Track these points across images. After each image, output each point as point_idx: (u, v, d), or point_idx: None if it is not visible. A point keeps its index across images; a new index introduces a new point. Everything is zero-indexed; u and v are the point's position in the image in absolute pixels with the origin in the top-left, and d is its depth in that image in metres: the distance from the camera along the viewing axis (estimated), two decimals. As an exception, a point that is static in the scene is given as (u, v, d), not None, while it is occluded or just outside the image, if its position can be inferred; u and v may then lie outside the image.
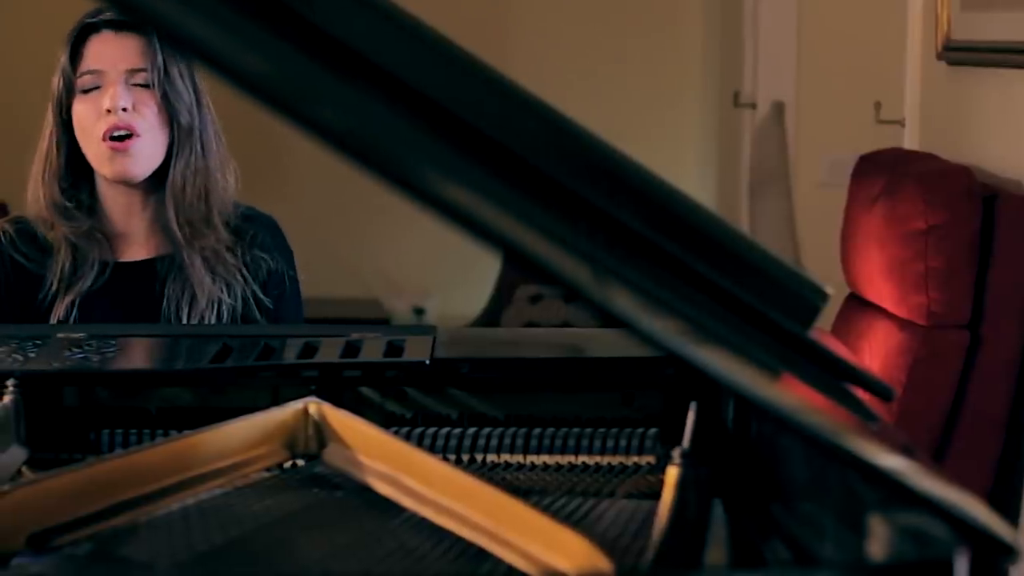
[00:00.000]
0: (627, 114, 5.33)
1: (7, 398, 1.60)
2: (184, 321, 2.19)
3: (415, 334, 1.82)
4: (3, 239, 2.26)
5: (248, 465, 1.51)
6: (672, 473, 1.36)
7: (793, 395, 1.15)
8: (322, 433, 1.58)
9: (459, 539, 1.31)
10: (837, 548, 1.21)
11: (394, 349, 1.75)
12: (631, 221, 1.16)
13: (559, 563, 1.13)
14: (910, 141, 3.50)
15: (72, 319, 2.19)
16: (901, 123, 3.61)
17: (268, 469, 1.54)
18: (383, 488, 1.44)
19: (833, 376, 1.28)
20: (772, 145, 4.60)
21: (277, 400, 1.74)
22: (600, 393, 1.73)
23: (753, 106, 4.72)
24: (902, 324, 2.89)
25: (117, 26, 2.20)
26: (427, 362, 1.68)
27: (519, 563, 1.18)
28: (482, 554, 1.25)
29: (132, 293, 2.24)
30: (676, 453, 1.39)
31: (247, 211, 2.31)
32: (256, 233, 2.28)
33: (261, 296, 2.26)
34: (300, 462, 1.57)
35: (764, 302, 1.24)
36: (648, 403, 1.72)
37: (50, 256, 2.24)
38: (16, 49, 5.35)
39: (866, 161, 3.17)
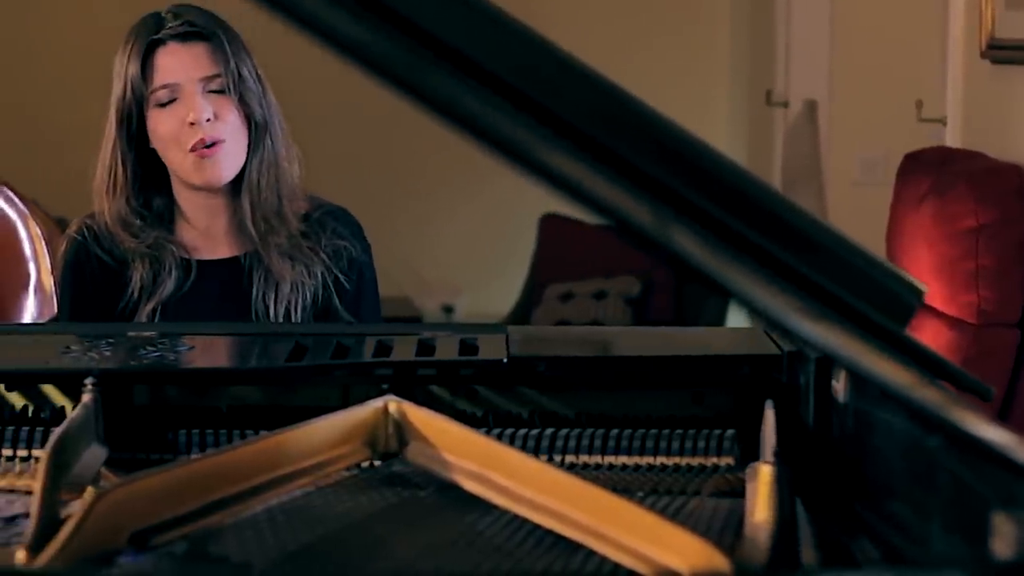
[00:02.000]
0: (650, 103, 5.29)
1: (86, 397, 1.59)
2: (272, 310, 2.21)
3: (485, 333, 1.82)
4: (86, 235, 2.27)
5: (331, 464, 1.51)
6: (766, 471, 1.35)
7: (902, 373, 1.15)
8: (402, 431, 1.57)
9: (557, 537, 1.30)
10: (941, 546, 1.20)
11: (468, 348, 1.74)
12: (738, 219, 1.17)
13: (672, 562, 1.12)
14: (952, 139, 3.50)
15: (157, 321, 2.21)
16: (942, 121, 3.60)
17: (349, 468, 1.54)
18: (471, 486, 1.43)
19: (931, 375, 1.27)
20: (804, 144, 4.59)
21: (347, 399, 1.74)
22: (677, 392, 1.73)
23: (785, 104, 4.71)
24: (952, 323, 2.88)
25: (183, 37, 2.21)
26: (505, 361, 1.68)
27: (627, 561, 1.18)
28: (585, 552, 1.24)
29: (218, 290, 2.26)
30: (769, 451, 1.38)
31: (328, 207, 2.34)
32: (336, 227, 2.31)
33: (344, 283, 2.28)
34: (376, 462, 1.57)
35: (862, 300, 1.25)
36: (723, 402, 1.72)
37: (130, 258, 2.25)
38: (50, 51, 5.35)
39: (911, 160, 3.16)
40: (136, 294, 2.24)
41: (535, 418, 1.71)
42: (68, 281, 2.28)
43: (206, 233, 2.30)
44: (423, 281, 5.50)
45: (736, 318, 4.99)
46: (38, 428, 1.64)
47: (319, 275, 2.27)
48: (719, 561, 1.09)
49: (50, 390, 1.74)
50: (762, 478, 1.35)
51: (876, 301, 1.26)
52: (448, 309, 5.48)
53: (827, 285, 1.21)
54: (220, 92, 2.22)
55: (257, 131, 2.24)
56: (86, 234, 2.28)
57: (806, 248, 1.20)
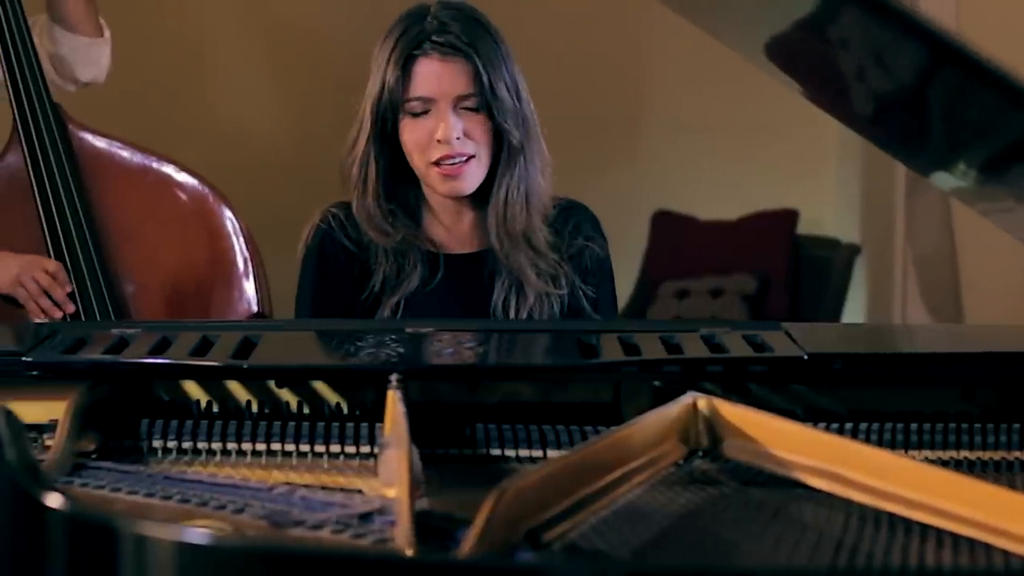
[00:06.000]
0: (764, 104, 5.23)
1: (396, 393, 1.59)
2: (512, 315, 2.21)
3: (761, 329, 1.81)
4: (332, 223, 2.29)
5: (658, 461, 1.51)
6: None
7: None
8: (714, 427, 1.57)
9: (891, 531, 1.30)
10: None
11: (758, 345, 1.74)
12: None
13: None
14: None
15: (400, 316, 2.22)
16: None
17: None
18: (818, 482, 1.42)
19: None
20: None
21: (619, 396, 1.74)
22: (950, 389, 1.72)
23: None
24: None
25: (443, 51, 2.21)
26: (805, 357, 1.68)
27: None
28: (983, 547, 1.23)
29: (461, 285, 2.27)
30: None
31: (566, 203, 2.33)
32: (578, 223, 2.31)
33: (588, 284, 2.28)
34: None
35: None
36: (991, 398, 1.72)
37: (375, 249, 2.26)
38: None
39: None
40: (379, 287, 2.25)
41: (808, 415, 1.71)
42: (313, 269, 2.28)
43: (452, 228, 2.30)
44: (536, 279, 5.50)
45: (851, 315, 4.98)
46: (333, 424, 1.66)
47: (564, 284, 2.27)
48: None
49: (321, 387, 1.75)
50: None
51: None
52: (559, 306, 5.48)
53: None
54: (474, 110, 2.22)
55: (510, 151, 2.24)
56: (332, 223, 2.29)
57: None
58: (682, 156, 5.17)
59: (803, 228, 5.07)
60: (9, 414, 1.17)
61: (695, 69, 5.10)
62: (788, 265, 5.01)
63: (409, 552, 1.21)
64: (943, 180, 1.95)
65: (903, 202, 4.64)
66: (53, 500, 1.04)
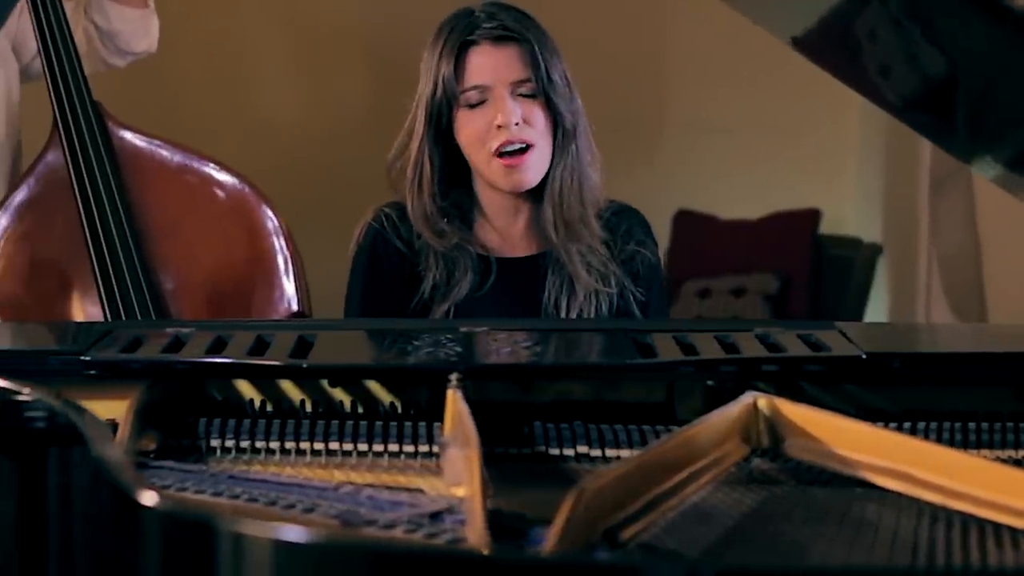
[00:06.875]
0: (785, 104, 5.22)
1: (455, 393, 1.59)
2: (563, 314, 2.21)
3: (815, 328, 1.81)
4: (385, 223, 2.28)
5: (723, 461, 1.51)
6: None
7: None
8: (775, 427, 1.57)
9: (964, 532, 1.30)
10: None
11: (814, 344, 1.74)
12: None
13: None
14: None
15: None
16: None
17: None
18: (884, 481, 1.43)
19: None
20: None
21: (671, 395, 1.74)
22: (1000, 388, 1.72)
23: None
24: None
25: (496, 38, 2.21)
26: (864, 356, 1.68)
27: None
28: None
29: (513, 289, 2.26)
30: None
31: (618, 207, 2.33)
32: (630, 228, 2.31)
33: (639, 287, 2.28)
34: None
35: None
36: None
37: (425, 253, 2.26)
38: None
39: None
40: (428, 294, 2.24)
41: (861, 414, 1.71)
42: (364, 268, 2.28)
43: (504, 232, 2.30)
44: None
45: (873, 315, 4.97)
46: (391, 424, 1.65)
47: (613, 283, 2.27)
48: None
49: (375, 387, 1.75)
50: None
51: None
52: (581, 305, 5.47)
53: None
54: (530, 96, 2.22)
55: (564, 136, 2.24)
56: (384, 223, 2.28)
57: None
58: (703, 156, 5.16)
59: (825, 228, 5.07)
60: (90, 414, 1.17)
61: (716, 69, 5.09)
62: (809, 265, 5.00)
63: (485, 551, 1.22)
64: (987, 167, 1.95)
65: (926, 201, 4.63)
66: (149, 498, 1.04)
